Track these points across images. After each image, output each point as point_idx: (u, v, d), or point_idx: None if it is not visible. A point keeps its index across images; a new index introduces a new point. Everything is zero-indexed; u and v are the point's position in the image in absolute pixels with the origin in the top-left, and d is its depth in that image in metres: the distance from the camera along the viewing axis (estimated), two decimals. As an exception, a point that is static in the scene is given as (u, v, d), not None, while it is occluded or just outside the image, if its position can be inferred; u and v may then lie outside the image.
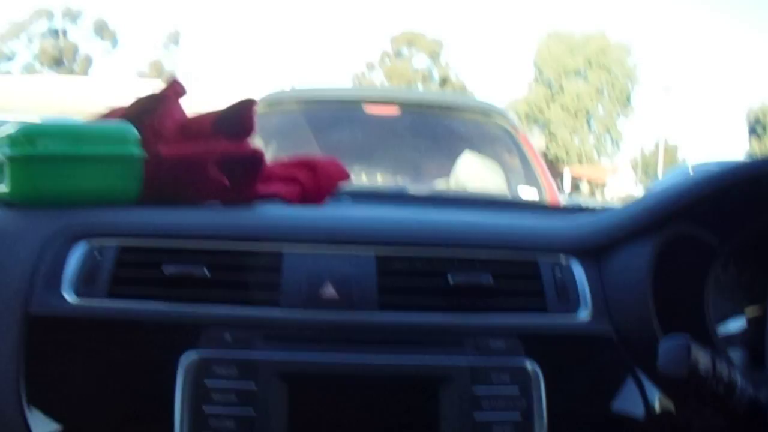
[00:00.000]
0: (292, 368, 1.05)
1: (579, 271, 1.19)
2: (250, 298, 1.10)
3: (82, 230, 1.13)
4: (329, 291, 1.10)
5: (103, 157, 1.22)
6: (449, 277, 1.14)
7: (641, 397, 1.11)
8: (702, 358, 0.92)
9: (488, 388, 1.06)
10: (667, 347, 0.93)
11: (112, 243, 1.13)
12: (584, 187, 37.31)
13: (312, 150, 3.44)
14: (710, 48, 69.09)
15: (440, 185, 3.27)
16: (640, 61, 55.37)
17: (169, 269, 1.09)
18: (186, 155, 1.28)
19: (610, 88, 43.90)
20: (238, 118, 1.33)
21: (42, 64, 36.93)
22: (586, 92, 43.27)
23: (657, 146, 40.00)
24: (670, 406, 1.11)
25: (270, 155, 3.43)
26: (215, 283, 1.10)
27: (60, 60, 37.45)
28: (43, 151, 1.18)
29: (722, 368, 0.94)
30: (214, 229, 1.16)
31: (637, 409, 1.11)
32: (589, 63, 43.09)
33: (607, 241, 1.21)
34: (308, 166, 1.50)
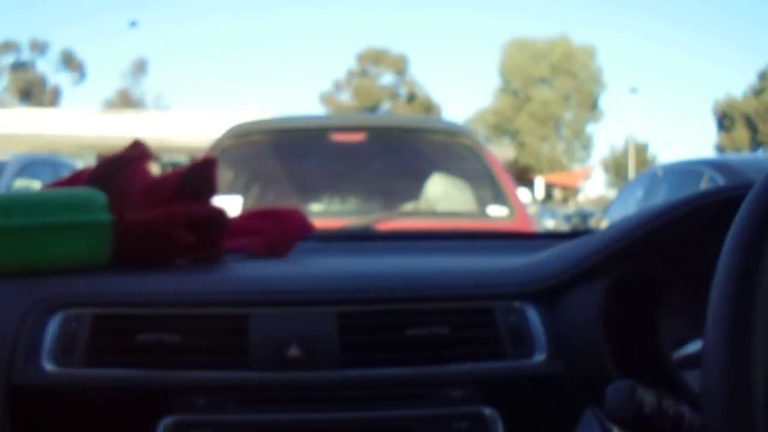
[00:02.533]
0: (263, 428, 1.11)
1: (533, 315, 1.23)
2: (220, 362, 1.14)
3: (58, 301, 1.17)
4: (294, 351, 1.14)
5: (73, 225, 1.25)
6: (407, 330, 1.18)
7: None
8: (647, 397, 0.95)
9: None
10: (612, 391, 0.96)
11: (88, 312, 1.16)
12: (557, 194, 37.41)
13: (280, 180, 3.49)
14: (674, 45, 69.62)
15: (409, 208, 3.32)
16: (605, 64, 55.76)
17: (143, 337, 1.14)
18: (153, 218, 1.32)
19: (577, 93, 44.09)
20: (201, 179, 1.37)
21: (11, 96, 36.71)
22: (553, 99, 43.44)
23: (627, 147, 40.15)
24: None
25: (239, 187, 3.48)
26: (187, 349, 1.14)
27: (29, 92, 37.24)
28: (15, 222, 1.21)
29: (668, 405, 0.97)
30: (184, 295, 1.20)
31: None
32: (554, 69, 43.28)
33: (559, 283, 1.24)
34: (271, 217, 1.55)
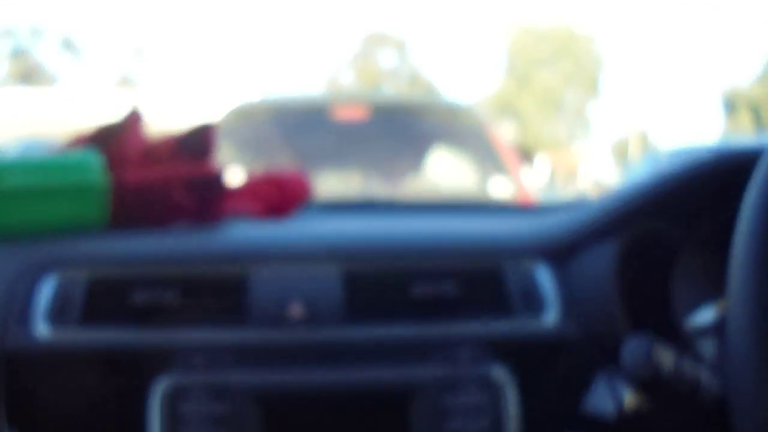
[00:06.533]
0: (265, 389, 1.07)
1: (544, 275, 1.20)
2: (219, 322, 1.12)
3: (52, 263, 1.15)
4: (297, 309, 1.11)
5: (68, 187, 1.23)
6: (414, 288, 1.16)
7: (613, 397, 1.12)
8: (665, 358, 0.93)
9: (457, 398, 1.09)
10: (630, 349, 0.93)
11: (83, 274, 1.14)
12: (559, 175, 37.26)
13: (284, 158, 3.48)
14: (682, 31, 69.23)
15: (412, 186, 3.32)
16: (609, 47, 55.66)
17: (139, 297, 1.11)
18: (151, 180, 1.30)
19: (578, 75, 43.91)
20: (199, 141, 1.36)
21: (13, 82, 36.59)
22: (554, 81, 43.29)
23: (630, 132, 40.01)
24: (642, 404, 1.10)
25: (242, 166, 3.47)
26: (185, 309, 1.12)
27: (29, 78, 37.14)
28: (9, 185, 1.20)
29: (685, 367, 0.95)
30: (181, 255, 1.18)
31: (610, 409, 1.11)
32: (556, 52, 43.12)
33: (570, 242, 1.22)
34: (273, 181, 1.53)
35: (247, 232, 1.32)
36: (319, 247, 1.21)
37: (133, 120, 1.38)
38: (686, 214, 1.19)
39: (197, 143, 1.36)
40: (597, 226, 1.20)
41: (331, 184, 3.50)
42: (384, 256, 1.20)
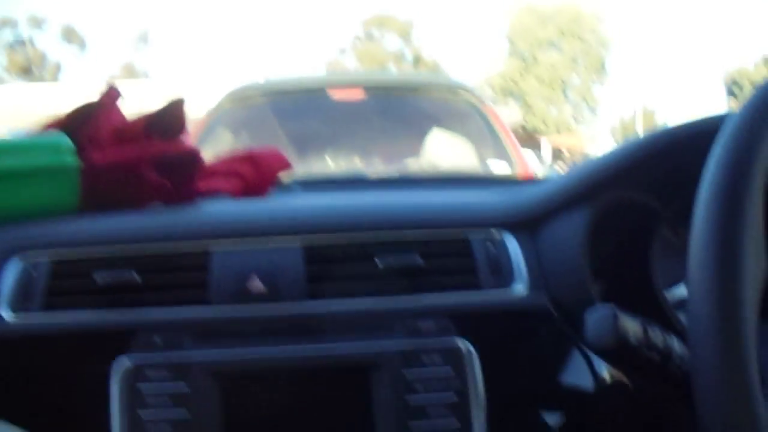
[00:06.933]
0: (224, 366, 1.05)
1: (513, 245, 1.17)
2: (179, 299, 1.10)
3: (14, 247, 1.14)
4: (257, 285, 1.10)
5: (37, 170, 1.21)
6: (377, 260, 1.13)
7: (588, 369, 1.10)
8: (631, 326, 0.89)
9: (420, 370, 1.06)
10: (593, 318, 0.90)
11: (44, 255, 1.13)
12: (565, 156, 37.26)
13: (281, 141, 3.46)
14: (687, 11, 69.16)
15: (409, 166, 3.29)
16: (615, 28, 55.63)
17: (101, 278, 1.10)
18: (120, 160, 1.28)
19: (585, 56, 43.88)
20: (170, 118, 1.32)
21: (10, 74, 36.66)
22: (560, 62, 43.26)
23: (635, 112, 40.08)
24: (618, 375, 1.08)
25: (240, 149, 3.44)
26: (146, 287, 1.11)
27: (29, 69, 37.18)
28: None
29: (655, 336, 0.92)
30: (142, 233, 1.16)
31: (585, 381, 1.10)
32: (562, 33, 43.07)
33: (540, 212, 1.19)
34: (249, 159, 1.50)
35: (209, 209, 1.30)
36: (278, 221, 1.19)
37: (107, 100, 1.35)
38: (661, 184, 1.15)
39: (168, 122, 1.32)
40: (566, 196, 1.17)
41: (328, 165, 3.49)
42: (346, 228, 1.17)
